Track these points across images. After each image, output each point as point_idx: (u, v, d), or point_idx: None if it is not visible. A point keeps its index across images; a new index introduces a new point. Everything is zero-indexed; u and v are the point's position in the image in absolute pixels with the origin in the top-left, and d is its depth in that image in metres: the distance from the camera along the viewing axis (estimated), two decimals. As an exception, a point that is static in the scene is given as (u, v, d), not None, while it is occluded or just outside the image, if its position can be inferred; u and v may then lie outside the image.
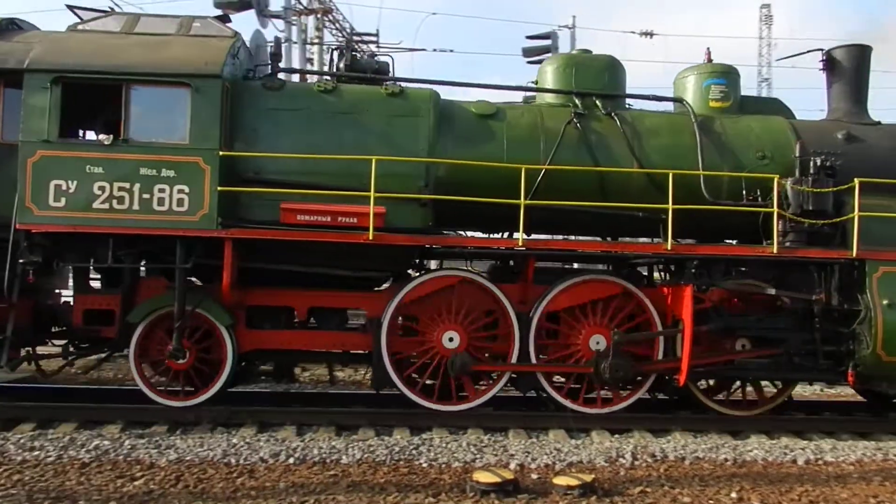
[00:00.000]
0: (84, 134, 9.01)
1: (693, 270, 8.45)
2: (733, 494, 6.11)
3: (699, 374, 8.38)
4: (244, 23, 37.06)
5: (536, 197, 8.29)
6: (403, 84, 8.75)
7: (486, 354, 8.48)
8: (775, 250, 8.15)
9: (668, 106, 9.60)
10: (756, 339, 8.43)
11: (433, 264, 10.05)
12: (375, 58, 9.05)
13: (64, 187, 7.60)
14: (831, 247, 8.34)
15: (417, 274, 8.60)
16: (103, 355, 8.53)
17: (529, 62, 21.40)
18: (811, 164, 8.41)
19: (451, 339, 8.22)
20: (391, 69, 9.12)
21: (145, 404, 8.05)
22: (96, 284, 8.57)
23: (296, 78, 10.55)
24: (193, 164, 7.71)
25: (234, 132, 8.14)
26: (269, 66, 8.96)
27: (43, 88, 7.63)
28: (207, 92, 7.76)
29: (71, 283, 8.84)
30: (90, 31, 8.33)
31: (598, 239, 9.04)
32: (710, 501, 5.96)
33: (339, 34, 27.21)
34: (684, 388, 8.44)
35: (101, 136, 7.69)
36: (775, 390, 8.92)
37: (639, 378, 8.47)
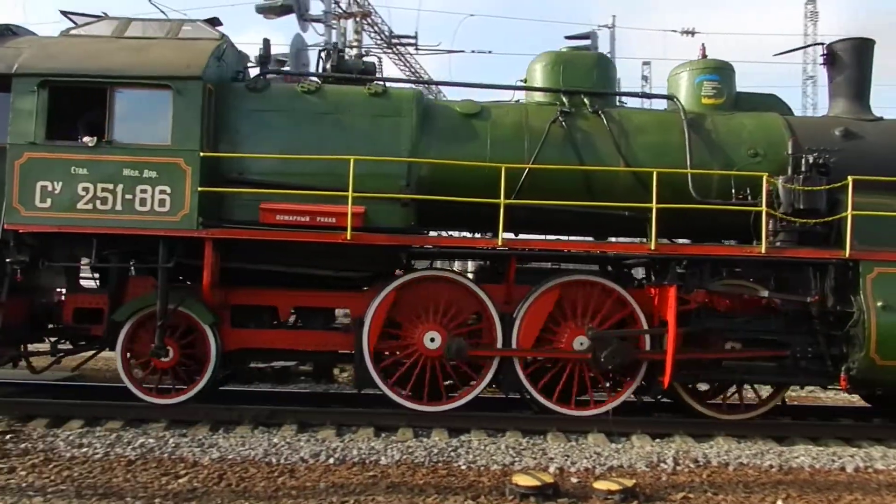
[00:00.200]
0: (79, 137, 9.20)
1: (683, 271, 8.30)
2: (779, 502, 6.01)
3: (684, 376, 8.19)
4: (286, 27, 37.86)
5: (521, 196, 8.23)
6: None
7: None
8: (763, 250, 7.93)
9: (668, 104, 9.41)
10: (748, 341, 8.22)
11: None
12: (362, 58, 9.02)
13: (50, 188, 7.78)
14: (825, 247, 8.09)
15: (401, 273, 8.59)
16: (90, 353, 8.70)
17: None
18: (803, 161, 8.17)
19: (432, 340, 8.18)
20: (379, 70, 9.14)
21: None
22: (94, 284, 8.78)
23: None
24: (174, 165, 7.83)
25: (219, 133, 8.25)
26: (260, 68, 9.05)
27: (30, 92, 7.83)
28: (188, 94, 7.87)
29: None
30: (81, 35, 8.52)
31: (583, 239, 8.91)
32: (755, 508, 5.84)
33: (378, 37, 27.51)
34: (671, 390, 8.28)
35: (86, 138, 7.85)
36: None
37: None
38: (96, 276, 8.80)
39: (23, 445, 6.96)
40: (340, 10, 22.76)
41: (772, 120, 8.81)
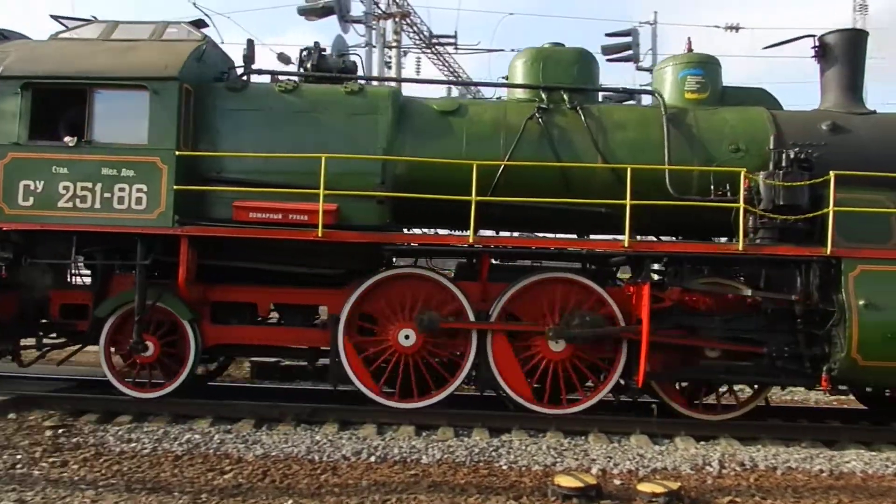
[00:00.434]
0: (61, 138, 9.45)
1: (663, 268, 8.19)
2: (830, 508, 5.89)
3: (659, 376, 8.07)
4: (327, 29, 38.66)
5: (497, 193, 8.20)
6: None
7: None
8: (741, 247, 7.75)
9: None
10: (726, 339, 8.05)
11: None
12: (343, 57, 9.09)
13: (32, 187, 8.01)
14: (809, 244, 7.87)
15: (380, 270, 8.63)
16: (75, 348, 8.93)
17: (609, 60, 20.91)
18: (784, 156, 7.96)
19: (406, 337, 8.20)
20: (361, 68, 9.19)
21: (232, 400, 8.37)
22: (90, 281, 9.01)
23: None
24: (151, 164, 8.00)
25: (199, 133, 8.39)
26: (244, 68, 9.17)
27: (14, 94, 8.08)
28: (165, 94, 8.02)
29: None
30: (67, 39, 8.75)
31: (557, 236, 8.83)
32: (805, 514, 5.74)
33: (417, 37, 27.64)
34: (648, 389, 8.17)
35: (66, 139, 8.06)
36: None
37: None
38: (88, 273, 9.03)
39: (74, 440, 7.11)
40: (380, 11, 22.92)
41: (756, 114, 8.61)
